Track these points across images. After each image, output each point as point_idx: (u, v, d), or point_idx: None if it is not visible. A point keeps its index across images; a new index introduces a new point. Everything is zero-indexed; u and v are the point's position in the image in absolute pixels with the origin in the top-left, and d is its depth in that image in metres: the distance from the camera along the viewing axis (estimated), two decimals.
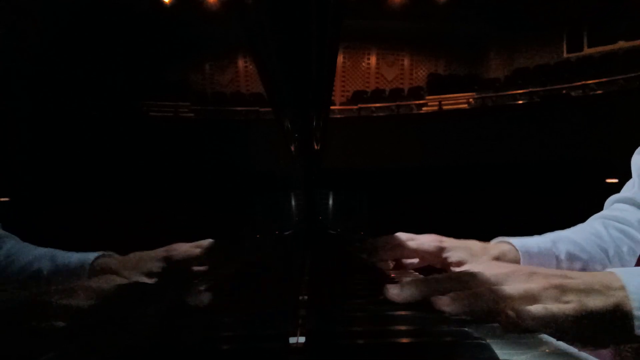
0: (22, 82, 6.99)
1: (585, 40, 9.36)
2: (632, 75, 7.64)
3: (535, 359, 0.33)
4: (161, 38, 9.29)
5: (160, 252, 0.72)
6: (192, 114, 8.98)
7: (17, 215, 0.83)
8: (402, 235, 0.82)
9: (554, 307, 0.43)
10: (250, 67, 9.98)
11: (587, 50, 9.34)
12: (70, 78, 8.10)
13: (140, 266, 0.70)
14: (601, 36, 9.05)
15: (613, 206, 0.91)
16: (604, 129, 6.44)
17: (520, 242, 0.78)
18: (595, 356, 0.78)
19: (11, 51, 6.95)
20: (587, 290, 0.44)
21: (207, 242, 0.76)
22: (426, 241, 0.79)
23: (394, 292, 0.46)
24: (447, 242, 0.78)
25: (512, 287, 0.45)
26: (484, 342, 0.29)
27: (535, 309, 0.42)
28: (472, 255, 0.76)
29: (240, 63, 10.24)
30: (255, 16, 0.35)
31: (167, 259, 0.71)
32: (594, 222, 0.87)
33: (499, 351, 0.30)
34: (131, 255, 0.72)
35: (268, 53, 0.40)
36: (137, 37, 9.04)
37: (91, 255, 0.74)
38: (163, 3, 9.28)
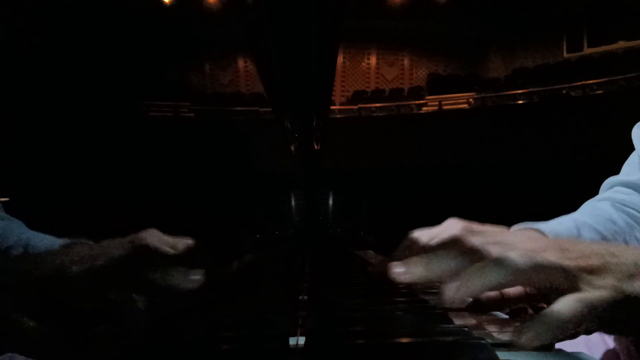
0: (22, 82, 6.99)
1: (585, 40, 9.36)
2: (632, 75, 7.64)
3: (535, 358, 0.33)
4: (161, 38, 9.29)
5: (125, 242, 0.54)
6: (192, 114, 8.98)
7: (17, 216, 0.83)
8: (421, 236, 0.66)
9: (585, 300, 0.35)
10: (250, 67, 9.98)
11: (587, 50, 9.34)
12: (70, 78, 8.10)
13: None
14: (601, 36, 9.05)
15: (615, 189, 0.84)
16: (604, 129, 6.45)
17: (549, 228, 0.69)
18: (605, 355, 0.77)
19: (11, 51, 6.95)
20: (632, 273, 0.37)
21: (184, 242, 0.57)
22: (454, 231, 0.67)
23: (398, 271, 0.42)
24: (478, 228, 0.68)
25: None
26: (484, 342, 0.29)
27: (564, 308, 0.34)
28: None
29: (240, 63, 10.24)
30: (255, 16, 0.35)
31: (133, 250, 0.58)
32: (603, 205, 0.79)
33: (499, 351, 0.30)
34: (103, 243, 0.55)
35: (268, 53, 0.40)
36: (137, 37, 9.05)
37: (59, 241, 0.63)
38: (163, 3, 9.28)
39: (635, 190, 0.81)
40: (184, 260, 0.54)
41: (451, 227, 0.65)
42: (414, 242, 0.65)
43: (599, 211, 0.78)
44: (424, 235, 0.65)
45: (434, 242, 0.62)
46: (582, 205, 0.83)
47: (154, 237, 0.56)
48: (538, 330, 0.34)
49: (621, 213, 0.77)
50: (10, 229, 0.70)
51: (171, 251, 0.53)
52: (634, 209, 0.77)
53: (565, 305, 0.35)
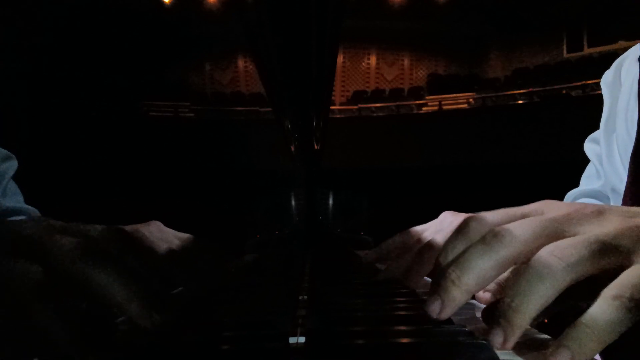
0: (22, 82, 6.99)
1: (585, 40, 9.37)
2: None
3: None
4: (161, 38, 9.29)
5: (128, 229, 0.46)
6: (192, 114, 8.99)
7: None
8: (420, 231, 0.61)
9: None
10: (250, 67, 9.98)
11: (587, 50, 9.34)
12: (70, 78, 8.10)
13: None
14: (601, 36, 9.05)
15: (579, 200, 0.85)
16: None
17: None
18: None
19: (11, 51, 6.95)
20: None
21: (182, 239, 0.51)
22: (453, 223, 0.57)
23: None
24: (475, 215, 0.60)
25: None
26: (484, 342, 0.29)
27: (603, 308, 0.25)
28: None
29: (240, 63, 10.24)
30: (255, 16, 0.36)
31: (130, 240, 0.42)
32: None
33: (499, 351, 0.30)
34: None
35: (268, 53, 0.40)
36: (137, 37, 9.05)
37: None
38: (163, 3, 9.28)
39: (596, 198, 0.84)
40: (183, 258, 0.50)
41: (447, 220, 0.62)
42: (411, 237, 0.63)
43: None
44: (420, 229, 0.63)
45: (441, 236, 0.56)
46: None
47: (154, 230, 0.51)
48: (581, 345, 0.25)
49: None
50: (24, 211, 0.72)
51: (165, 246, 0.49)
52: None
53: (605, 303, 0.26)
